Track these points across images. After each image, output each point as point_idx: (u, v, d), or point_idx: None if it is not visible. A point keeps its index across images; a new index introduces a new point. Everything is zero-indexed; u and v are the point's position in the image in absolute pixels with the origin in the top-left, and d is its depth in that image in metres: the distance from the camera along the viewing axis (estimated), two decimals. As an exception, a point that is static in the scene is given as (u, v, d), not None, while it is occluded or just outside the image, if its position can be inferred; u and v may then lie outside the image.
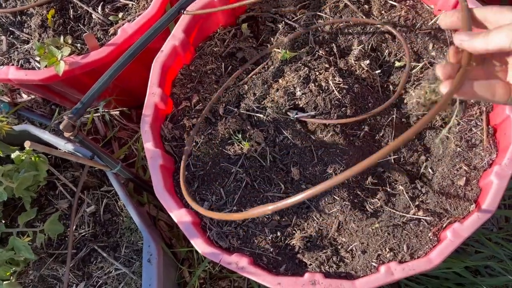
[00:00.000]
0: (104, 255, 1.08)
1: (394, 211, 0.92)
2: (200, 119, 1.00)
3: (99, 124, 1.47)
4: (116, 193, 1.10)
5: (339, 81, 0.99)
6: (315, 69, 1.02)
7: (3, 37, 1.27)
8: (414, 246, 0.89)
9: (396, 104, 1.04)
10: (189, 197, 0.83)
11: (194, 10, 1.03)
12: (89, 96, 0.86)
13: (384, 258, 0.89)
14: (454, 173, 0.94)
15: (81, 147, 1.02)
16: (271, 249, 0.91)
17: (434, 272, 1.23)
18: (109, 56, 1.13)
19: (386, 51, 1.06)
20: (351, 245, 0.91)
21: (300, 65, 1.03)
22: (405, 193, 0.94)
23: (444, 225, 0.90)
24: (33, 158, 1.05)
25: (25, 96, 1.57)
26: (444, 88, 0.61)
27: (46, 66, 1.12)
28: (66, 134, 0.83)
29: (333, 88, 0.98)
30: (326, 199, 0.93)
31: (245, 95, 1.03)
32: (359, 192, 0.95)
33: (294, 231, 0.93)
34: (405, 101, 1.03)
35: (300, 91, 0.99)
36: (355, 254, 0.91)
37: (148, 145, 0.94)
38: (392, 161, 0.99)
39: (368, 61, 1.03)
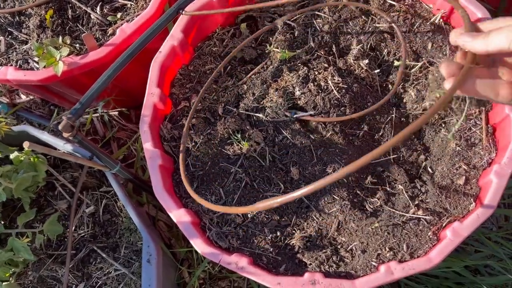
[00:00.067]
0: (104, 255, 1.08)
1: (394, 210, 0.92)
2: (190, 115, 1.00)
3: (98, 125, 1.47)
4: (115, 193, 1.10)
5: (338, 80, 0.99)
6: (314, 69, 1.02)
7: (1, 38, 1.27)
8: (413, 245, 0.89)
9: (395, 104, 1.04)
10: (192, 190, 0.83)
11: (193, 10, 1.03)
12: (88, 97, 0.85)
13: (384, 258, 0.89)
14: (454, 172, 0.94)
15: (80, 148, 1.02)
16: (271, 249, 0.91)
17: (434, 271, 1.23)
18: (107, 56, 1.13)
19: (385, 50, 1.06)
20: (350, 244, 0.91)
21: (299, 64, 1.03)
22: (404, 192, 0.94)
23: (443, 224, 0.90)
24: (32, 159, 1.05)
25: (23, 97, 1.56)
26: (447, 84, 0.63)
27: (44, 67, 1.12)
28: (65, 135, 0.83)
29: (332, 87, 0.98)
30: (326, 199, 0.93)
31: (244, 95, 1.02)
32: (358, 192, 0.95)
33: (293, 231, 0.93)
34: (404, 100, 1.03)
35: (299, 90, 0.99)
36: (355, 253, 0.91)
37: (147, 145, 0.94)
38: (392, 160, 0.99)
39: (367, 61, 1.03)
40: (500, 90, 0.62)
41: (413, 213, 0.91)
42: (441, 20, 1.04)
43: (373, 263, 0.88)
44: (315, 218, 0.93)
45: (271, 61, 1.07)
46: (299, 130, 0.98)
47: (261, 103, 1.00)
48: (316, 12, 1.09)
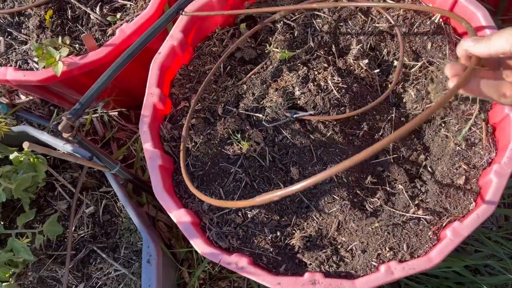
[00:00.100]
0: (104, 256, 1.07)
1: (394, 210, 0.92)
2: (189, 114, 1.00)
3: (98, 125, 1.47)
4: (115, 194, 1.10)
5: (338, 80, 0.99)
6: (314, 69, 1.02)
7: (1, 38, 1.27)
8: (414, 245, 0.89)
9: (395, 103, 1.04)
10: (192, 186, 0.83)
11: (192, 11, 1.03)
12: (87, 97, 0.85)
13: (384, 257, 0.89)
14: (454, 172, 0.94)
15: (80, 148, 1.02)
16: (271, 249, 0.91)
17: (434, 271, 1.23)
18: (107, 56, 1.13)
19: (385, 50, 1.06)
20: (351, 244, 0.91)
21: (299, 64, 1.03)
22: (404, 192, 0.94)
23: (443, 224, 0.90)
24: (31, 159, 1.05)
25: (23, 97, 1.56)
26: (451, 83, 0.66)
27: (44, 67, 1.12)
28: (65, 135, 0.83)
29: (332, 87, 0.98)
30: (326, 199, 0.93)
31: (244, 95, 1.02)
32: (358, 192, 0.95)
33: (293, 231, 0.93)
34: (404, 100, 1.03)
35: (299, 90, 0.99)
36: (355, 253, 0.91)
37: (147, 146, 0.94)
38: (392, 160, 0.99)
39: (366, 61, 1.03)
40: (504, 91, 0.65)
41: (413, 213, 0.91)
42: (440, 19, 1.04)
43: (373, 263, 0.88)
44: (315, 218, 0.93)
45: (271, 61, 1.07)
46: (299, 130, 0.98)
47: (261, 103, 1.00)
48: (316, 12, 1.09)
